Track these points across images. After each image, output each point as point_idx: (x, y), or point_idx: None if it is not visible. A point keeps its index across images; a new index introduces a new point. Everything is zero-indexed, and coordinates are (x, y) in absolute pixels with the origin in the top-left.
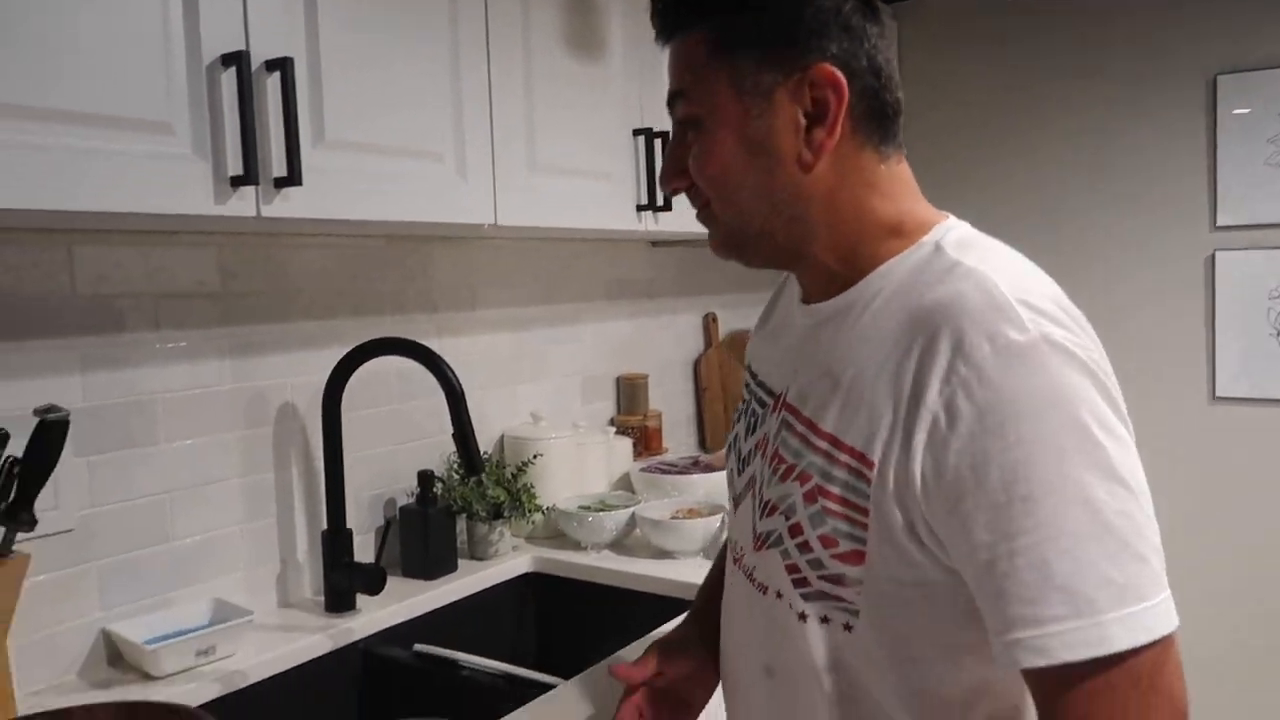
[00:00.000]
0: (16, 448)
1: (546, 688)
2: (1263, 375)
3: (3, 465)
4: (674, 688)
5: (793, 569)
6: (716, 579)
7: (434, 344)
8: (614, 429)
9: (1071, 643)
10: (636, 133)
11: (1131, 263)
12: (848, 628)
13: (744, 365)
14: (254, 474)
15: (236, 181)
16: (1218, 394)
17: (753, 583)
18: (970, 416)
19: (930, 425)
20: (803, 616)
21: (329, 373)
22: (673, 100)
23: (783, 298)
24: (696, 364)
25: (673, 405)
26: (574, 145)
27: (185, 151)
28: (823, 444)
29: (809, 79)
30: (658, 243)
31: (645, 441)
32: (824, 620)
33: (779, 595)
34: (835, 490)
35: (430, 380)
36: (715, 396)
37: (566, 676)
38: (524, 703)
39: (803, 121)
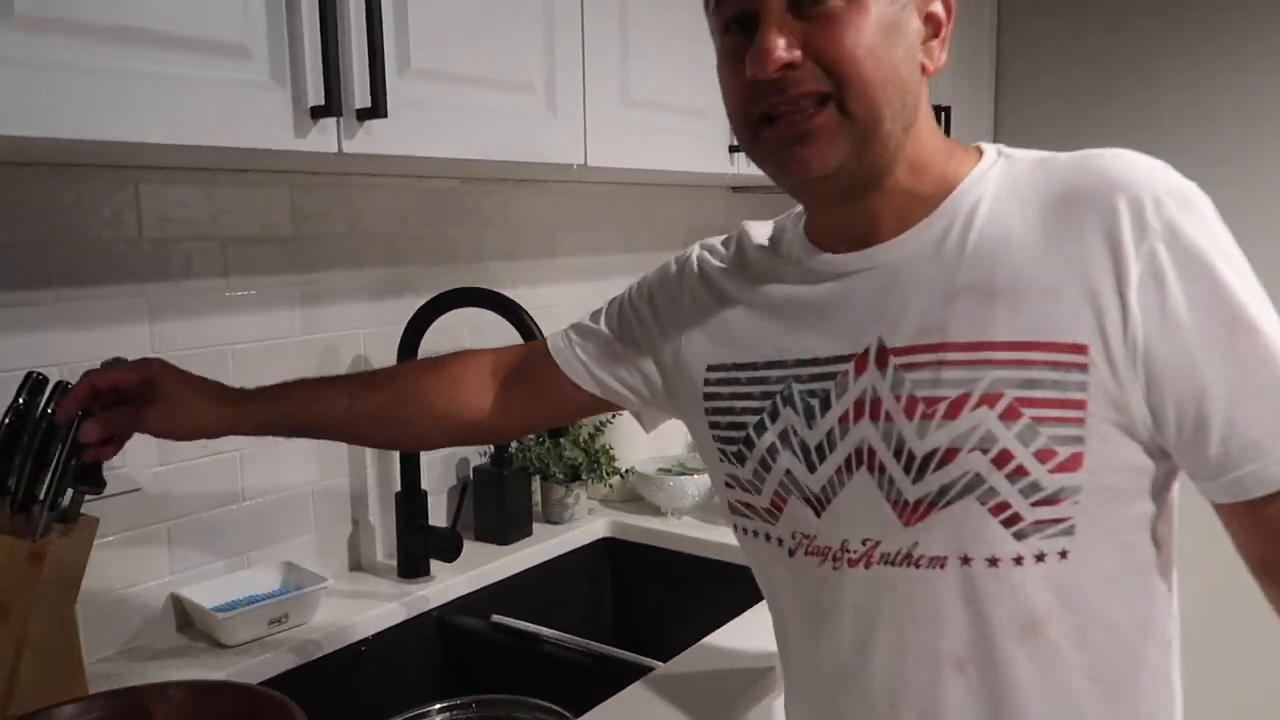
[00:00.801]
0: None
1: (635, 667)
2: None
3: (75, 422)
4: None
5: (1000, 508)
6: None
7: (511, 294)
8: None
9: None
10: None
11: (1256, 208)
12: (1064, 555)
13: (706, 365)
14: None
15: (317, 113)
16: None
17: (912, 565)
18: (1175, 266)
19: (1139, 285)
20: (1018, 561)
21: (401, 323)
22: None
23: (754, 273)
24: None
25: None
26: (668, 79)
27: (263, 79)
28: (1005, 355)
29: None
30: (738, 188)
31: None
32: (1039, 558)
33: (966, 561)
34: (1041, 394)
35: (505, 332)
36: None
37: (646, 651)
38: (612, 683)
39: (922, 30)
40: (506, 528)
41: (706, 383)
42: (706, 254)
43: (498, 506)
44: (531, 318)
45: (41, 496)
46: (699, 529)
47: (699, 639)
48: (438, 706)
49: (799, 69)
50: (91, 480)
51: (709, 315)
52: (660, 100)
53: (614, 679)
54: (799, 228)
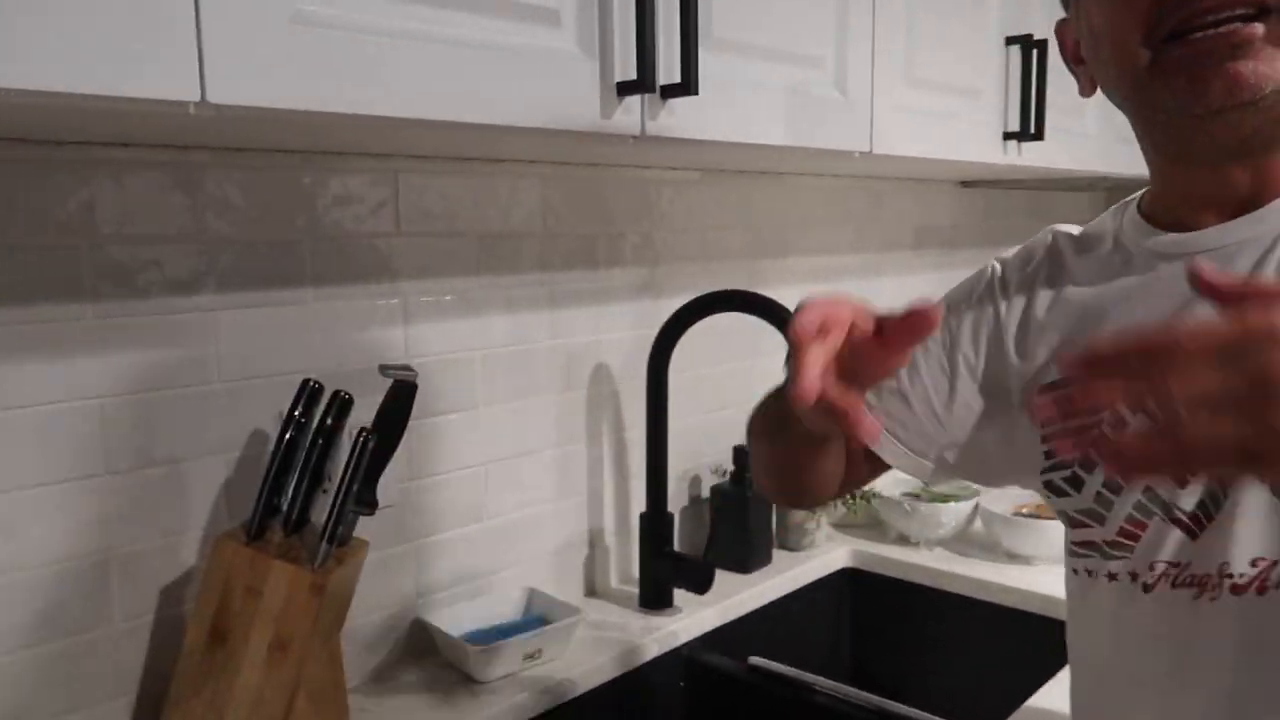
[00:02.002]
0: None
1: None
2: None
3: (356, 440)
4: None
5: None
6: None
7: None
8: None
9: None
10: (1010, 41)
11: None
12: None
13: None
14: (565, 445)
15: (624, 89)
16: None
17: None
18: None
19: None
20: None
21: (639, 330)
22: None
23: (1103, 266)
24: None
25: None
26: (947, 54)
27: (571, 47)
28: None
29: None
30: (967, 183)
31: None
32: None
33: None
34: None
35: (740, 339)
36: None
37: (895, 696)
38: None
39: None
40: (749, 554)
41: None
42: (1012, 262)
43: (740, 531)
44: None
45: (324, 520)
46: (954, 562)
47: (960, 686)
48: None
49: None
50: (368, 501)
51: (1030, 327)
52: (942, 81)
53: None
54: (1127, 215)
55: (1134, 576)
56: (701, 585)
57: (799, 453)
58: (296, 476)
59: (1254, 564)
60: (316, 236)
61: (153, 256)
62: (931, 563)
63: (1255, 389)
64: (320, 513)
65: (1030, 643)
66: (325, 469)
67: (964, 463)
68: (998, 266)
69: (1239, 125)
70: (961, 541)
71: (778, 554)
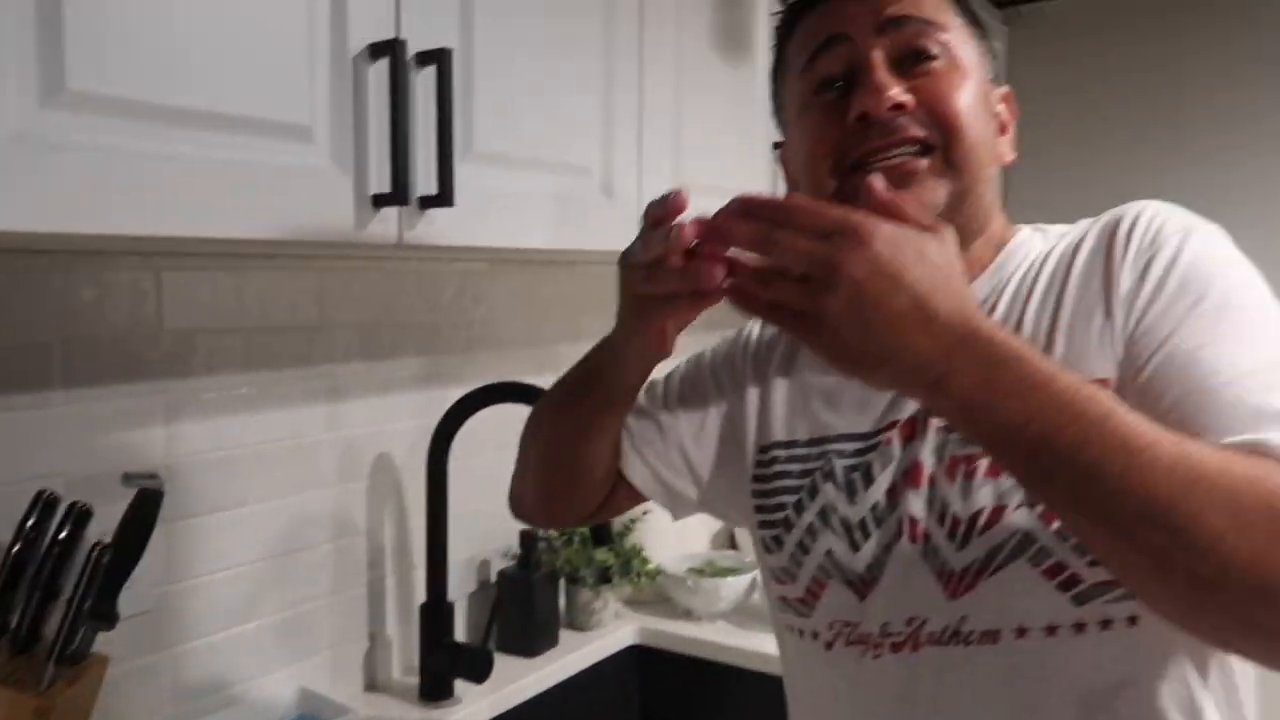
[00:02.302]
0: (101, 518)
1: None
2: None
3: (90, 554)
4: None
5: (1055, 570)
6: None
7: (538, 380)
8: None
9: None
10: (777, 146)
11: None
12: (1133, 620)
13: (758, 446)
14: (344, 537)
15: (380, 201)
16: None
17: (962, 643)
18: (1156, 279)
19: (1132, 306)
20: (1079, 628)
21: (423, 419)
22: (902, 23)
23: (789, 359)
24: None
25: None
26: (717, 159)
27: (325, 163)
28: None
29: (1003, 94)
30: None
31: None
32: (1105, 624)
33: (1021, 633)
34: None
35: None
36: None
37: None
38: None
39: (994, 122)
40: (534, 638)
41: (757, 464)
42: (768, 329)
43: (525, 615)
44: None
45: (52, 639)
46: (733, 635)
47: None
48: None
49: (908, 114)
50: (106, 615)
51: (762, 390)
52: (708, 180)
53: None
54: None
55: (816, 635)
56: (480, 674)
57: (591, 422)
58: (27, 591)
59: (908, 623)
60: (68, 337)
61: None
62: (714, 636)
63: (824, 271)
64: (55, 626)
65: None
66: (59, 585)
67: (706, 501)
68: (755, 327)
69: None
70: (743, 614)
71: (566, 634)
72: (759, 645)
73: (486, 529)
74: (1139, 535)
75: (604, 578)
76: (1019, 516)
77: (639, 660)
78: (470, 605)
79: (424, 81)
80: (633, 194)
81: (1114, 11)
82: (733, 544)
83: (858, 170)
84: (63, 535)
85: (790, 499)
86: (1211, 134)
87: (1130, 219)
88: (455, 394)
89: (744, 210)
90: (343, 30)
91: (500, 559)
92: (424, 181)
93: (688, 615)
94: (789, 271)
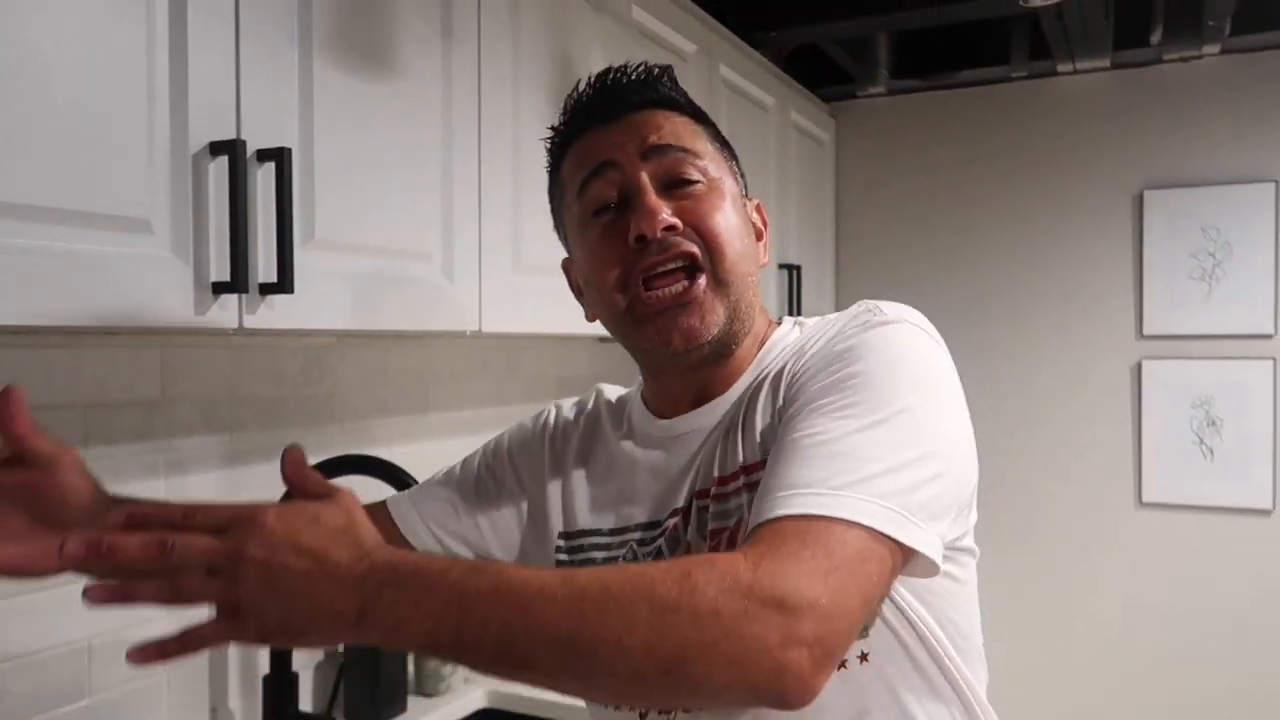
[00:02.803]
0: None
1: None
2: (1186, 482)
3: None
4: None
5: None
6: None
7: (386, 451)
8: None
9: None
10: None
11: (1062, 368)
12: (864, 657)
13: (553, 527)
14: (187, 610)
15: (220, 288)
16: (1144, 499)
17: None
18: (820, 355)
19: (795, 376)
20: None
21: (269, 491)
22: (665, 151)
23: (594, 441)
24: None
25: None
26: (555, 244)
27: (165, 254)
28: (749, 476)
29: (755, 205)
30: (604, 339)
31: None
32: (841, 665)
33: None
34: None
35: (379, 493)
36: None
37: None
38: None
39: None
40: (381, 705)
41: (558, 550)
42: (564, 415)
43: (371, 682)
44: (414, 480)
45: None
46: None
47: None
48: None
49: (677, 232)
50: None
51: (563, 479)
52: (547, 264)
53: None
54: (637, 404)
55: (618, 706)
56: None
57: None
58: None
59: None
60: None
61: None
62: (560, 698)
63: (228, 561)
64: None
65: None
66: None
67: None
68: (553, 412)
69: (694, 356)
70: None
71: (414, 700)
72: None
73: None
74: (575, 666)
75: None
76: None
77: None
78: (316, 675)
79: (264, 176)
80: (473, 277)
81: (927, 110)
82: None
83: (646, 287)
84: None
85: None
86: (1010, 224)
87: (852, 312)
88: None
89: (134, 523)
90: (184, 130)
91: None
92: (264, 269)
93: None
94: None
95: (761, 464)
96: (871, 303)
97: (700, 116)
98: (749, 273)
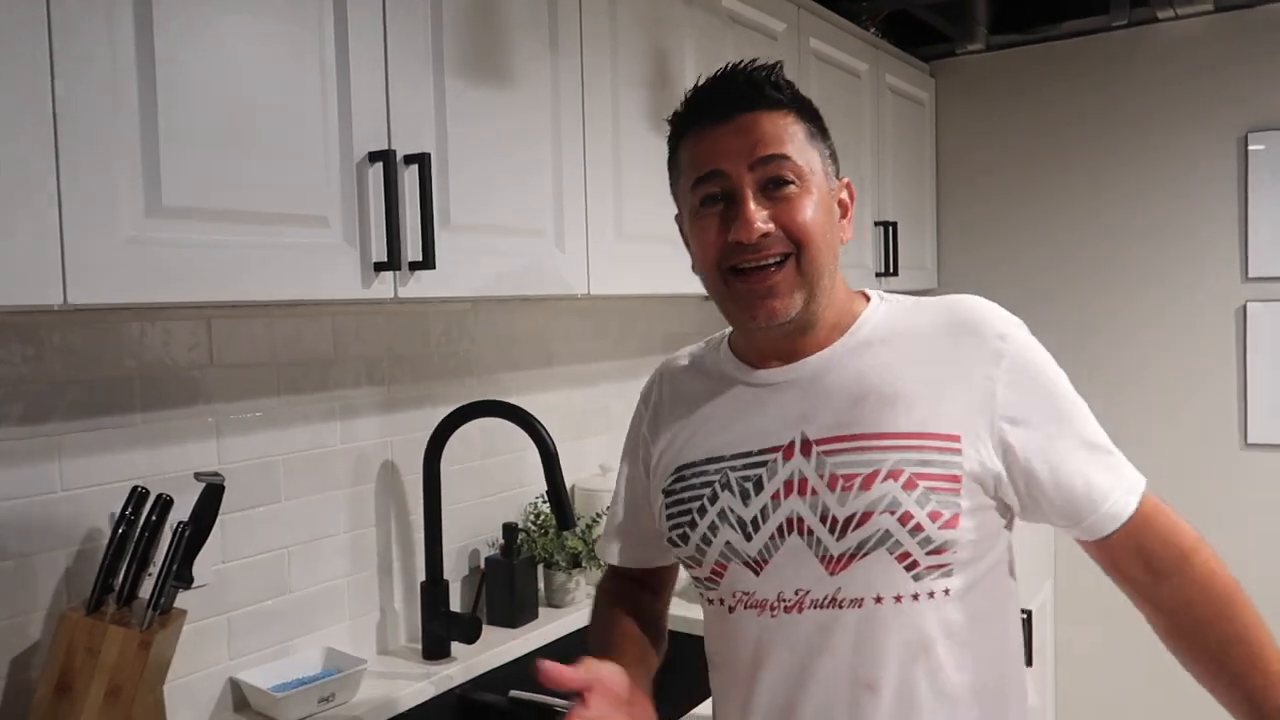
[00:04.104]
0: (176, 508)
1: None
2: None
3: (175, 530)
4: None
5: (904, 556)
6: (611, 625)
7: (515, 399)
8: None
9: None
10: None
11: (1167, 313)
12: (947, 592)
13: (666, 471)
14: (358, 529)
15: (379, 267)
16: (1250, 440)
17: (836, 606)
18: (1023, 376)
19: (999, 390)
20: (915, 597)
21: (420, 432)
22: (768, 160)
23: (695, 389)
24: None
25: None
26: (652, 215)
27: (338, 241)
28: (901, 442)
29: (844, 184)
30: (706, 298)
31: None
32: (930, 595)
33: (878, 600)
34: (931, 471)
35: (510, 436)
36: None
37: None
38: None
39: (838, 211)
40: (517, 613)
41: (668, 486)
42: (661, 377)
43: (509, 593)
44: (538, 421)
45: (149, 594)
46: (685, 608)
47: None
48: None
49: (770, 236)
50: (186, 578)
51: (664, 435)
52: (647, 233)
53: None
54: (723, 350)
55: (722, 601)
56: (470, 636)
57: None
58: (127, 562)
59: (796, 593)
60: (144, 373)
61: (7, 395)
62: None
63: None
64: (146, 590)
65: None
66: (151, 555)
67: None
68: (639, 402)
69: (777, 330)
70: (690, 593)
71: (545, 611)
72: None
73: (474, 524)
74: None
75: (575, 562)
76: (883, 520)
77: None
78: (463, 587)
79: (410, 176)
80: (581, 247)
81: (1027, 64)
82: None
83: (733, 274)
84: (153, 519)
85: (694, 505)
86: (1112, 173)
87: (989, 328)
88: (445, 412)
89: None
90: (349, 144)
91: (487, 548)
92: (412, 250)
93: None
94: None
95: (915, 435)
96: (985, 309)
97: (802, 109)
98: (829, 260)
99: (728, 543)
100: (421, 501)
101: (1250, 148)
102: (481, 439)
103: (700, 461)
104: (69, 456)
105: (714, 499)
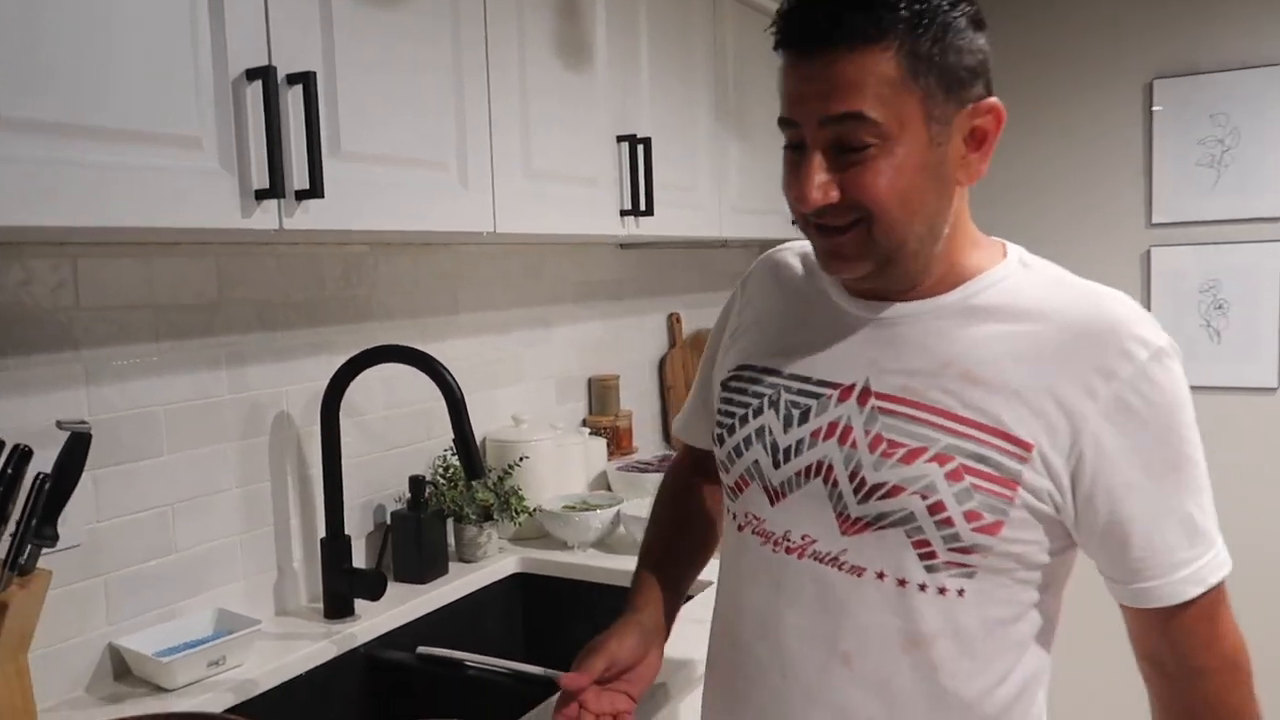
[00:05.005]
0: (37, 461)
1: (552, 683)
2: (1193, 365)
3: (34, 482)
4: (619, 679)
5: (922, 544)
6: (660, 555)
7: (421, 348)
8: (588, 430)
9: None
10: (620, 139)
11: (1073, 255)
12: (961, 593)
13: (729, 365)
14: (252, 483)
15: (261, 194)
16: None
17: (836, 567)
18: (1140, 406)
19: (1103, 413)
20: (923, 588)
21: (317, 381)
22: (840, 120)
23: (788, 291)
24: (661, 363)
25: (639, 404)
26: (564, 152)
27: (214, 166)
28: (963, 428)
29: (980, 109)
30: (626, 245)
31: (617, 441)
32: (941, 591)
33: (880, 575)
34: (985, 469)
35: (414, 386)
36: (679, 395)
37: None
38: (530, 700)
39: (964, 148)
40: (425, 568)
41: (726, 380)
42: (763, 264)
43: (416, 548)
44: (444, 366)
45: (4, 554)
46: (603, 559)
47: None
48: None
49: (834, 206)
50: (48, 535)
51: (744, 317)
52: (558, 172)
53: (535, 696)
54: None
55: (734, 517)
56: (375, 592)
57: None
58: None
59: (803, 538)
60: (1, 314)
61: None
62: (585, 560)
63: None
64: (2, 551)
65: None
66: (7, 511)
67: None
68: (739, 282)
69: (877, 275)
70: (609, 542)
71: (455, 566)
72: (621, 565)
73: (378, 478)
74: None
75: (486, 515)
76: (911, 501)
77: (522, 584)
78: (366, 544)
79: (294, 97)
80: (486, 186)
81: None
82: (607, 485)
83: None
84: (9, 471)
85: (739, 411)
86: (1019, 118)
87: (1120, 342)
88: (343, 360)
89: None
90: (224, 61)
91: (393, 503)
92: (299, 178)
93: (563, 546)
94: None
95: (982, 427)
96: (1125, 315)
97: (916, 27)
98: (916, 225)
99: (756, 462)
100: (320, 454)
101: (1155, 94)
102: (384, 389)
103: (759, 368)
104: None
105: (758, 413)
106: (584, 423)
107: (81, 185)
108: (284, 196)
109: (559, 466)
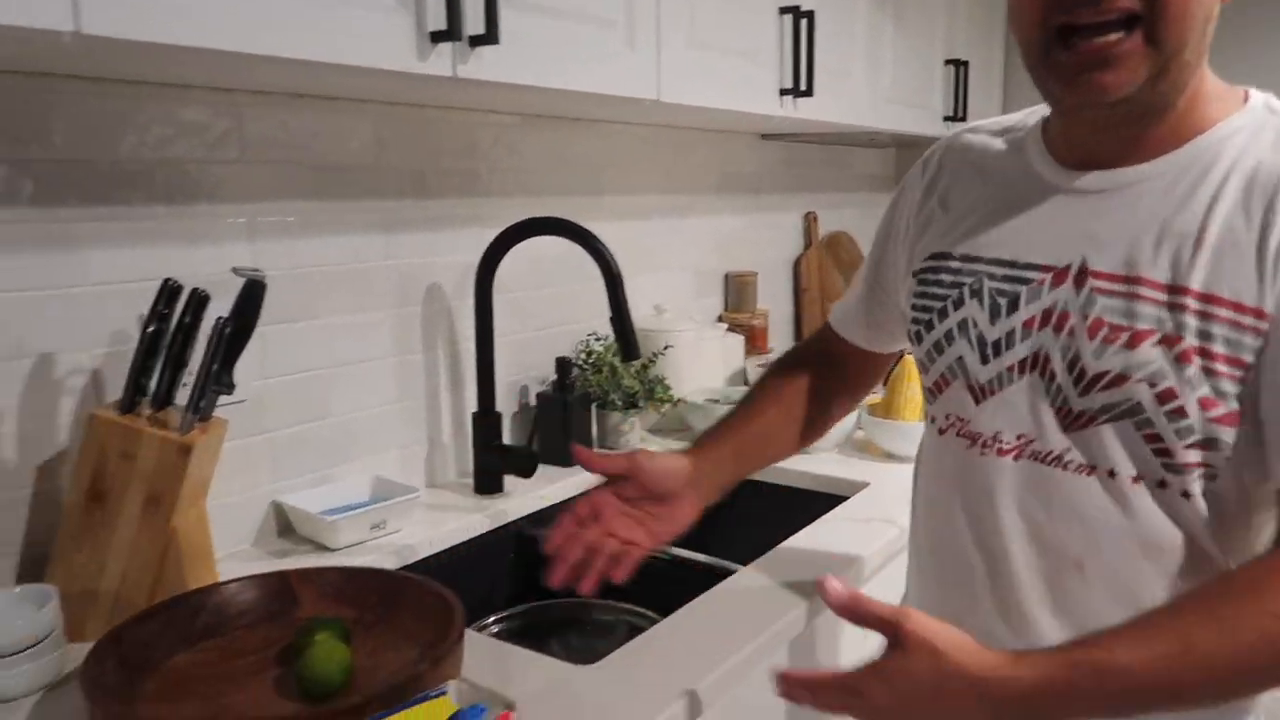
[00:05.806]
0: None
1: (713, 570)
2: None
3: (216, 326)
4: (644, 510)
5: (1154, 438)
6: (740, 422)
7: None
8: (724, 325)
9: None
10: (783, 11)
11: None
12: (1205, 495)
13: (921, 253)
14: (405, 354)
15: (437, 37)
16: None
17: (1060, 467)
18: None
19: None
20: (1162, 485)
21: (467, 254)
22: None
23: (984, 171)
24: (797, 263)
25: (773, 304)
26: (727, 22)
27: (392, 2)
28: (1194, 303)
29: None
30: (767, 136)
31: (752, 340)
32: (1186, 494)
33: (1112, 474)
34: (1217, 349)
35: (564, 266)
36: (814, 298)
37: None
38: (691, 587)
39: None
40: (570, 451)
41: (919, 270)
42: (950, 145)
43: (561, 431)
44: (607, 248)
45: (187, 398)
46: None
47: (741, 538)
48: (530, 605)
49: (1110, 3)
50: (227, 382)
51: (934, 202)
52: (720, 43)
53: (693, 582)
54: (1033, 132)
55: (934, 420)
56: (526, 470)
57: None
58: (161, 361)
59: (1018, 438)
60: (165, 161)
61: (19, 173)
62: None
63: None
64: (183, 394)
65: (797, 508)
66: (186, 357)
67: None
68: (919, 163)
69: (1108, 115)
70: None
71: (598, 452)
72: None
73: (522, 359)
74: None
75: (631, 403)
76: (1139, 390)
77: None
78: (512, 424)
79: None
80: (652, 50)
81: None
82: (745, 382)
83: (1058, 45)
84: (188, 317)
85: (937, 304)
86: None
87: None
88: (493, 234)
89: (786, 694)
90: None
91: (537, 384)
92: (473, 23)
93: None
94: None
95: (1214, 299)
96: None
97: None
98: (1194, 26)
99: (960, 358)
100: (470, 328)
101: None
102: (530, 270)
103: (955, 255)
104: (87, 247)
105: (959, 304)
106: (720, 318)
107: (264, 12)
108: (459, 39)
109: (698, 360)
